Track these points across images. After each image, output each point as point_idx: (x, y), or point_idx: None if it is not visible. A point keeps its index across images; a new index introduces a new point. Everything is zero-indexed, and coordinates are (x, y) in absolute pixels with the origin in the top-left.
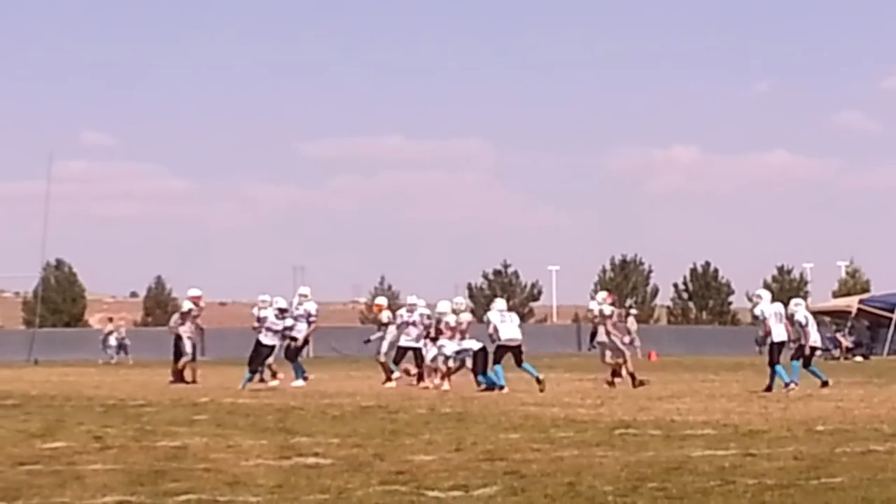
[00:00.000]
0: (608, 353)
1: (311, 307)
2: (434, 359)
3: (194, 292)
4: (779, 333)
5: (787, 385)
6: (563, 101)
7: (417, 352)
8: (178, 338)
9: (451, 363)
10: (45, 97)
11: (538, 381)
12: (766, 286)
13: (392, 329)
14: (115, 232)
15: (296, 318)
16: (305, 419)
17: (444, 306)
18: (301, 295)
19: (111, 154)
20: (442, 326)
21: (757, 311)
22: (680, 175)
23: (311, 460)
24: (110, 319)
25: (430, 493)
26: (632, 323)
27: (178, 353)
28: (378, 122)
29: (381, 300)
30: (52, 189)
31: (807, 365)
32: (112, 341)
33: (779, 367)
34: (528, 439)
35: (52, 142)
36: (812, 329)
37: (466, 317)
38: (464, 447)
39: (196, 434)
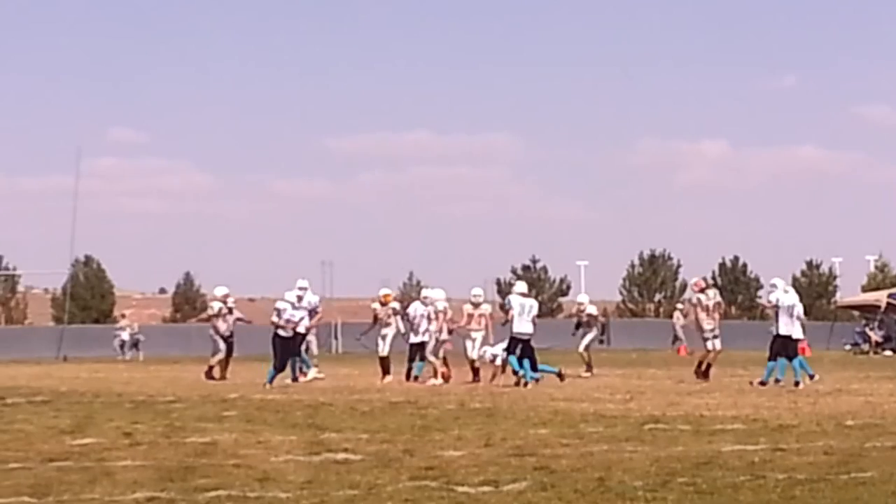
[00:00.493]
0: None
1: (315, 299)
2: (481, 356)
3: (221, 291)
4: (784, 326)
5: (763, 383)
6: (590, 94)
7: (424, 346)
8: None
9: (498, 361)
10: (73, 94)
11: (527, 382)
12: (795, 280)
13: (397, 322)
14: (144, 228)
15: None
16: (335, 415)
17: (437, 293)
18: (300, 288)
19: (139, 150)
20: (430, 312)
21: (772, 298)
22: (708, 169)
23: (341, 456)
24: (123, 316)
25: (460, 489)
26: (678, 318)
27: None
28: (405, 117)
29: (387, 290)
30: (80, 185)
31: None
32: (125, 336)
33: (771, 364)
34: (557, 434)
35: (81, 138)
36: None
37: (486, 308)
38: (493, 442)
39: (225, 430)
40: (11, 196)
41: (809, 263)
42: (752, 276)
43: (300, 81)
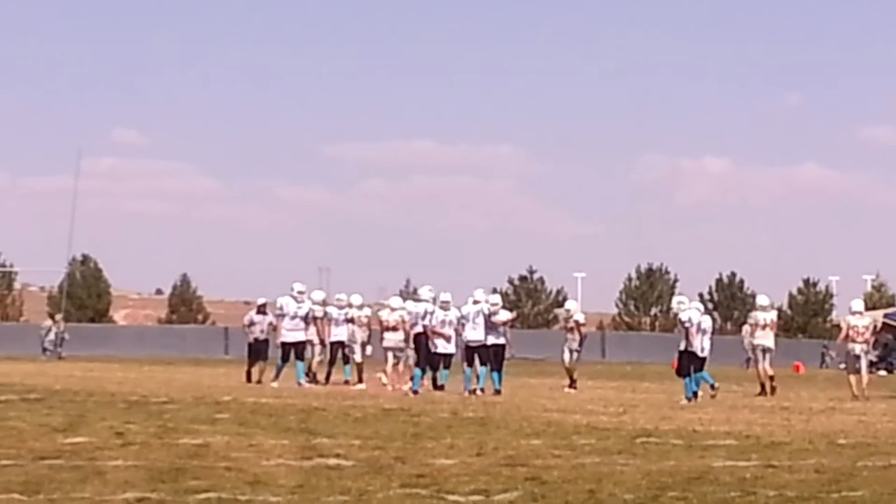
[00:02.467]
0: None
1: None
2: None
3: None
4: (697, 343)
5: (688, 399)
6: (594, 109)
7: (448, 358)
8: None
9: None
10: (76, 94)
11: (474, 391)
12: (792, 298)
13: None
14: (142, 229)
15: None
16: (327, 420)
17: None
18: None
19: (140, 151)
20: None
21: (684, 318)
22: (708, 186)
23: (333, 461)
24: (51, 316)
25: (451, 497)
26: (747, 330)
27: (254, 354)
28: (409, 127)
29: (359, 297)
30: (80, 185)
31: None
32: (52, 336)
33: (688, 380)
34: (549, 445)
35: (82, 138)
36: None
37: (455, 313)
38: (485, 452)
39: (218, 432)
40: (14, 195)
41: (806, 281)
42: (749, 292)
43: (304, 88)
